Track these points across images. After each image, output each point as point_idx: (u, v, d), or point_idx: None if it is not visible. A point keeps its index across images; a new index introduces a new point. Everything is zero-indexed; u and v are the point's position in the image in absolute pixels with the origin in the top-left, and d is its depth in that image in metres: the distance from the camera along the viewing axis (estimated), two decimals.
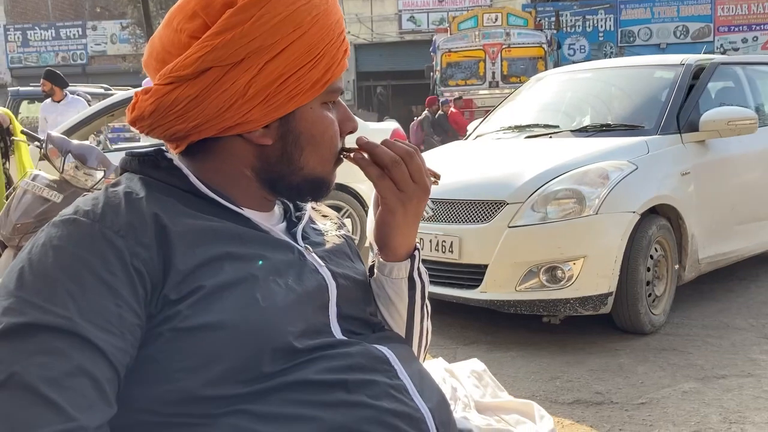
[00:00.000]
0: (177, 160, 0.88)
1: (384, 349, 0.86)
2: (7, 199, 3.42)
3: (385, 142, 0.94)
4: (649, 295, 3.61)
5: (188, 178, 0.87)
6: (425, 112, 12.43)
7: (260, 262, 0.82)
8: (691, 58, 4.41)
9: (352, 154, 0.94)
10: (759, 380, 3.01)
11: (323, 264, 0.90)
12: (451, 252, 3.51)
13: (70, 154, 3.34)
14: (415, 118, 13.32)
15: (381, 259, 0.99)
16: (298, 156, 0.88)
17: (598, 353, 3.39)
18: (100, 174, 3.33)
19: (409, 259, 1.00)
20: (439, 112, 12.16)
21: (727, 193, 4.15)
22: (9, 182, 3.95)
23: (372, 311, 0.95)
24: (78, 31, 23.54)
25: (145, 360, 0.74)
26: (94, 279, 0.72)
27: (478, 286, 3.47)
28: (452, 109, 12.18)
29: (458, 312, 3.66)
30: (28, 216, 3.17)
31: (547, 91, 5.02)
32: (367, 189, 5.20)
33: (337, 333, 0.86)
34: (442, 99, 12.82)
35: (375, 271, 1.01)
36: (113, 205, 0.79)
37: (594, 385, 3.01)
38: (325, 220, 1.06)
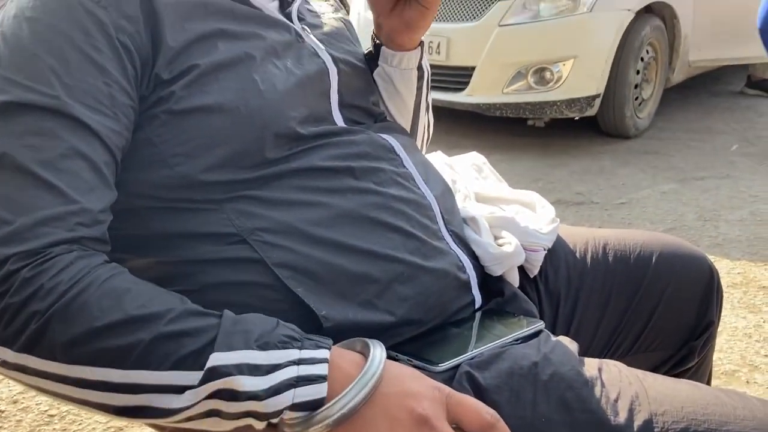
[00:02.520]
0: None
1: (389, 138, 0.82)
2: None
3: None
4: (636, 98, 3.58)
5: None
6: None
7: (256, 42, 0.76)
8: None
9: None
10: (736, 181, 3.08)
11: (323, 48, 0.84)
12: (438, 53, 3.40)
13: None
14: None
15: (390, 51, 0.93)
16: None
17: (581, 156, 3.43)
18: None
19: (419, 47, 0.94)
20: None
21: None
22: None
23: (374, 100, 0.91)
24: None
25: (141, 144, 0.70)
26: (78, 54, 0.66)
27: (464, 89, 3.40)
28: None
29: (442, 116, 3.60)
30: None
31: None
32: None
33: (339, 121, 0.82)
34: None
35: (379, 63, 0.94)
36: None
37: (575, 187, 3.08)
38: (320, 1, 0.97)
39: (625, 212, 2.81)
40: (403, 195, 0.77)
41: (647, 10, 3.49)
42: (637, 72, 3.51)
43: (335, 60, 0.84)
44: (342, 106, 0.83)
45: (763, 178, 3.11)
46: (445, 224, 0.80)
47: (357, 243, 0.72)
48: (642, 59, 3.52)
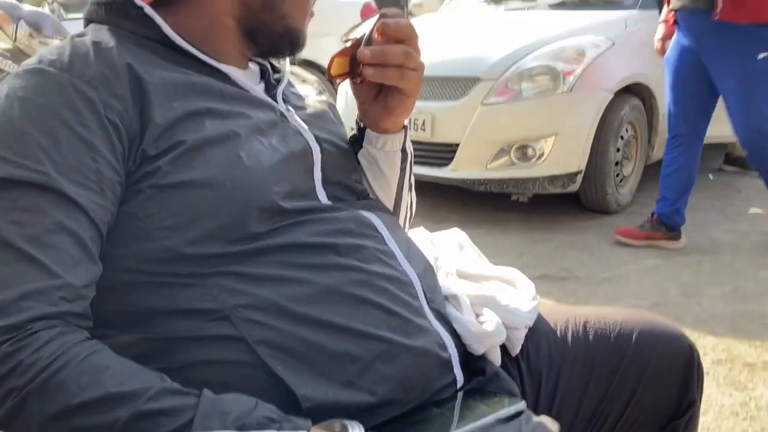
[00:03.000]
0: (148, 9, 0.81)
1: (371, 216, 0.84)
2: None
3: (383, 30, 0.84)
4: (617, 175, 3.65)
5: (161, 29, 0.80)
6: None
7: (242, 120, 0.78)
8: None
9: (359, 80, 0.87)
10: (717, 257, 3.12)
11: (306, 128, 0.87)
12: (424, 130, 3.47)
13: (22, 21, 3.15)
14: None
15: (374, 133, 0.96)
16: (281, 3, 0.85)
17: (565, 231, 3.47)
18: (56, 43, 3.16)
19: (402, 130, 0.96)
20: None
21: None
22: None
23: (357, 178, 0.93)
24: None
25: (126, 218, 0.71)
26: (68, 132, 0.68)
27: (449, 164, 3.46)
28: None
29: (428, 191, 3.67)
30: None
31: None
32: None
33: (323, 198, 0.83)
34: None
35: (364, 145, 0.97)
36: (81, 54, 0.73)
37: (560, 262, 3.10)
38: (305, 85, 1.01)
39: (609, 288, 2.82)
40: (385, 272, 0.78)
41: (625, 90, 3.60)
42: (618, 150, 3.59)
43: (318, 139, 0.86)
44: (325, 182, 0.85)
45: (743, 255, 3.15)
46: (427, 302, 0.81)
47: (339, 320, 0.72)
48: (622, 137, 3.61)
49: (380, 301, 0.75)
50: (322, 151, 0.86)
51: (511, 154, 3.38)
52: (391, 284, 0.77)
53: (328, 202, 0.84)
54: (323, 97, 1.00)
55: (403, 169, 0.99)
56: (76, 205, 0.66)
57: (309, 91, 0.99)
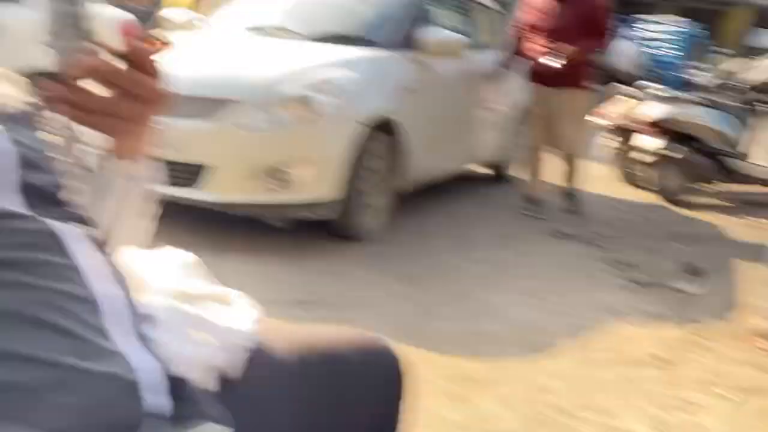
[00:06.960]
0: None
1: (64, 227, 0.74)
2: None
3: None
4: (368, 205, 3.79)
5: None
6: None
7: None
8: None
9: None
10: (447, 278, 3.40)
11: (2, 127, 0.74)
12: (170, 148, 3.30)
13: None
14: None
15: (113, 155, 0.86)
16: None
17: (317, 258, 3.51)
18: None
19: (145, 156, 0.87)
20: None
21: (441, 111, 4.47)
22: None
23: (58, 185, 0.82)
24: None
25: None
26: None
27: (197, 185, 3.33)
28: None
29: (173, 215, 3.50)
30: None
31: None
32: None
33: (16, 204, 0.71)
34: None
35: (102, 163, 0.86)
36: None
37: (311, 287, 3.12)
38: (8, 84, 0.87)
39: (356, 312, 2.90)
40: (65, 288, 0.68)
41: (375, 124, 3.77)
42: (367, 180, 3.73)
43: (16, 141, 0.75)
44: (23, 189, 0.73)
45: (470, 279, 3.43)
46: (116, 322, 0.73)
47: (1, 345, 0.62)
48: (371, 169, 3.76)
49: (54, 321, 0.65)
50: (18, 153, 0.74)
51: (265, 178, 3.35)
52: (70, 303, 0.68)
53: (21, 210, 0.72)
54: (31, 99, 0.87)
55: (140, 194, 0.90)
56: None
57: (14, 92, 0.86)
